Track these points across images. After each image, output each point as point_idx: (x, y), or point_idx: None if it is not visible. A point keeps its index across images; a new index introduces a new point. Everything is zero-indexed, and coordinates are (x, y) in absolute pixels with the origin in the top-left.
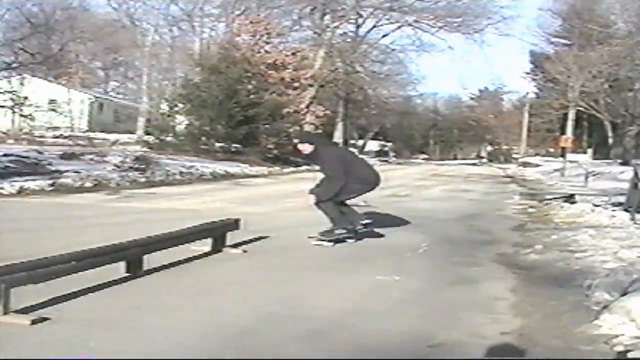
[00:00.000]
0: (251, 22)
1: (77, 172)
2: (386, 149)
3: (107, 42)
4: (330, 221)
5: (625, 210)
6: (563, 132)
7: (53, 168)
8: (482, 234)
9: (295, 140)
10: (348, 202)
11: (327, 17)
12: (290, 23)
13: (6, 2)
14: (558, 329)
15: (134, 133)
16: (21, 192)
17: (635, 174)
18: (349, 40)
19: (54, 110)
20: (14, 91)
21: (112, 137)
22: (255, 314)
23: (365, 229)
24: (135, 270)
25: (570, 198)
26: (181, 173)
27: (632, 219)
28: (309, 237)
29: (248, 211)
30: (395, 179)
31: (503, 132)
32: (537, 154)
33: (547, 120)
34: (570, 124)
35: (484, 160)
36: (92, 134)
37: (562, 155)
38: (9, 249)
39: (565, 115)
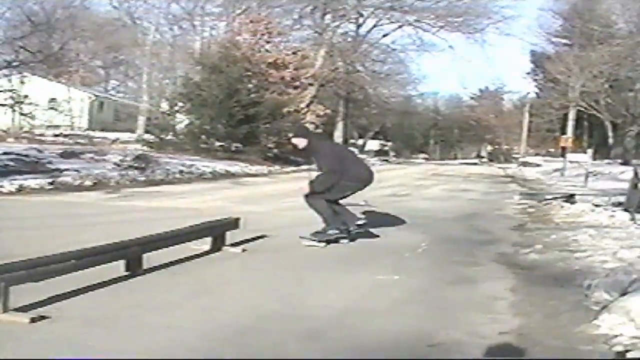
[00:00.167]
0: (252, 21)
1: (77, 170)
2: (386, 148)
3: (108, 41)
4: (323, 221)
5: (625, 210)
6: (563, 132)
7: (53, 167)
8: (482, 234)
9: (290, 134)
10: (344, 201)
11: (327, 16)
12: (291, 22)
13: (7, 0)
14: (557, 328)
15: (134, 132)
16: (21, 190)
17: (636, 174)
18: (349, 39)
19: (54, 108)
20: (14, 90)
21: (112, 135)
22: (255, 313)
23: (359, 230)
24: (135, 269)
25: (570, 198)
26: (181, 172)
27: (632, 219)
28: (301, 238)
29: (248, 210)
30: (395, 179)
31: (503, 131)
32: (537, 154)
33: (548, 120)
34: (570, 124)
35: (484, 160)
36: (92, 133)
37: (562, 155)
38: (8, 247)
39: (566, 115)
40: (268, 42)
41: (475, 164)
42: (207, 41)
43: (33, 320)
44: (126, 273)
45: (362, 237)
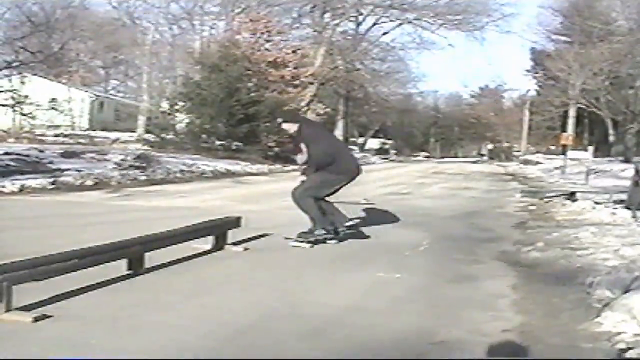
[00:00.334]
0: (251, 20)
1: (78, 170)
2: (387, 146)
3: (108, 41)
4: (311, 220)
5: (627, 207)
6: (564, 130)
7: (54, 166)
8: (483, 232)
9: (279, 120)
10: (339, 202)
11: (327, 14)
12: (290, 21)
13: (7, 0)
14: (559, 326)
15: (134, 131)
16: (22, 190)
17: (637, 171)
18: (349, 37)
19: (54, 108)
20: (15, 90)
21: (113, 135)
22: (256, 312)
23: (348, 231)
24: (136, 268)
25: (571, 196)
26: (182, 171)
27: (634, 216)
28: (286, 239)
29: (249, 209)
30: (396, 177)
31: (504, 129)
32: (538, 152)
33: (548, 118)
34: (571, 122)
35: (485, 158)
36: (92, 133)
37: (563, 153)
38: (10, 247)
39: (566, 112)
40: (268, 41)
41: (475, 162)
42: (206, 40)
43: (36, 319)
44: (128, 272)
45: (364, 236)
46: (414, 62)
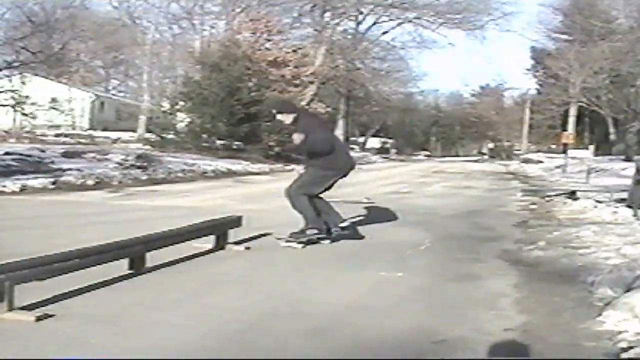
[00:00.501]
0: (251, 20)
1: (79, 170)
2: (387, 145)
3: (108, 41)
4: (304, 219)
5: (628, 206)
6: (565, 129)
7: (55, 166)
8: (485, 231)
9: (273, 111)
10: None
11: (327, 14)
12: (290, 20)
13: (7, 1)
14: (562, 325)
15: (135, 131)
16: (24, 190)
17: (638, 170)
18: (349, 37)
19: (55, 108)
20: (16, 90)
21: (114, 135)
22: (258, 311)
23: (342, 232)
24: (138, 267)
25: (572, 194)
26: (183, 171)
27: (635, 215)
28: (278, 239)
29: (250, 208)
30: (397, 176)
31: (504, 128)
32: (538, 151)
33: (549, 117)
34: (571, 120)
35: (486, 157)
36: (93, 132)
37: (564, 152)
38: (12, 247)
39: (567, 111)
40: (268, 41)
41: (476, 161)
42: (207, 40)
43: (38, 318)
44: (129, 271)
45: (359, 237)
46: (415, 61)
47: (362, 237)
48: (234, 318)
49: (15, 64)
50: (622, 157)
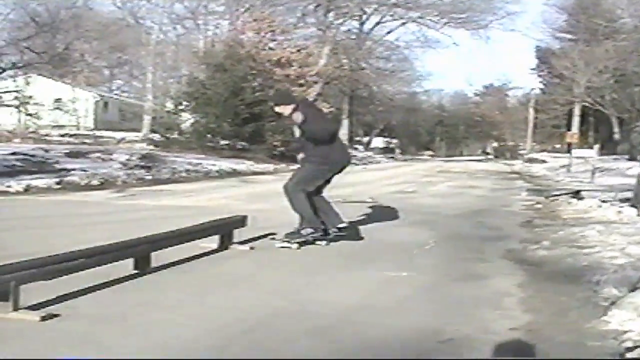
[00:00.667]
0: (255, 20)
1: (83, 170)
2: (392, 145)
3: (112, 41)
4: (300, 218)
5: (633, 206)
6: (569, 128)
7: (60, 166)
8: (490, 230)
9: (271, 103)
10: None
11: (331, 13)
12: (294, 20)
13: (11, 1)
14: (567, 324)
15: (139, 131)
16: (28, 190)
17: None
18: (353, 36)
19: (59, 109)
20: (20, 90)
21: (118, 135)
22: (264, 310)
23: (340, 233)
24: (143, 267)
25: (577, 194)
26: (187, 171)
27: None
28: (272, 239)
29: (255, 208)
30: (402, 176)
31: (509, 128)
32: (543, 150)
33: (553, 116)
34: (576, 120)
35: (490, 156)
36: (97, 133)
37: (569, 151)
38: (17, 247)
39: (571, 111)
40: (272, 40)
41: (481, 160)
42: (211, 40)
43: (43, 318)
44: (134, 271)
45: (358, 238)
46: (419, 61)
47: (361, 238)
48: (239, 317)
49: (20, 65)
50: (627, 156)
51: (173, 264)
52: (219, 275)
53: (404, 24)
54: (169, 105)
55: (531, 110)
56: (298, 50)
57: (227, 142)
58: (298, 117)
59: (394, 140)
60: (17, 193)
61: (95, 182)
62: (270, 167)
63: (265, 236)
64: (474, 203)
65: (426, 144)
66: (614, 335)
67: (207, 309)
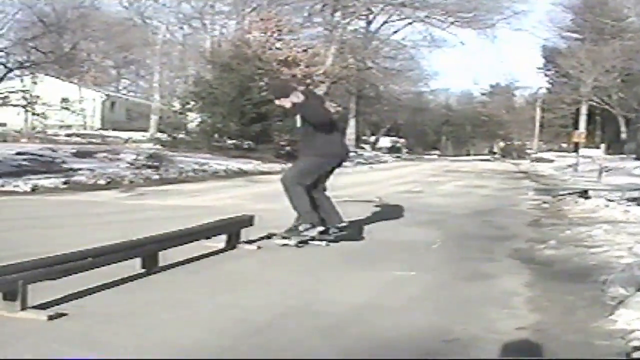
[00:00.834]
0: (262, 19)
1: (90, 169)
2: (399, 145)
3: (119, 41)
4: (297, 213)
5: None
6: (576, 128)
7: (67, 166)
8: (497, 230)
9: (271, 97)
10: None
11: (338, 13)
12: (301, 20)
13: (18, 1)
14: (574, 324)
15: (146, 131)
16: (35, 189)
17: None
18: (360, 36)
19: (66, 108)
20: (27, 90)
21: (125, 135)
22: (271, 310)
23: (340, 233)
24: (150, 266)
25: (584, 193)
26: (194, 170)
27: None
28: (269, 237)
29: (262, 208)
30: (409, 175)
31: (516, 127)
32: (550, 150)
33: (560, 116)
34: (583, 119)
35: (497, 156)
36: (104, 132)
37: (575, 151)
38: (24, 246)
39: (578, 110)
40: (279, 40)
41: (487, 160)
42: (217, 40)
43: (51, 317)
44: (142, 271)
45: (359, 238)
46: (426, 60)
47: (362, 239)
48: (247, 317)
49: (27, 64)
50: (634, 156)
51: (181, 263)
52: (227, 275)
53: (410, 23)
54: (176, 104)
55: (538, 110)
56: (305, 50)
57: (233, 141)
58: (298, 96)
59: (401, 140)
60: (25, 193)
61: (102, 181)
62: (277, 166)
63: (272, 236)
64: (481, 202)
65: (433, 144)
66: (621, 335)
67: (215, 308)
